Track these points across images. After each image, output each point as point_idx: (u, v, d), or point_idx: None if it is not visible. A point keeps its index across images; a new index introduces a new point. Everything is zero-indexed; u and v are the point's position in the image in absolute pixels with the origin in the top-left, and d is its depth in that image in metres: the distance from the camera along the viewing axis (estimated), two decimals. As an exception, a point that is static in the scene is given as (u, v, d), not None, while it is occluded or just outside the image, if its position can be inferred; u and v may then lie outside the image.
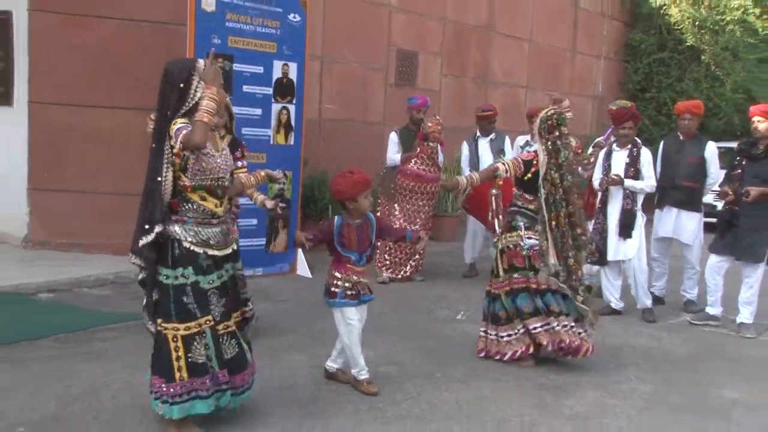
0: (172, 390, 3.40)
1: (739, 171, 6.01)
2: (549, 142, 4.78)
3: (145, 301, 3.61)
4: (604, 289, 6.48)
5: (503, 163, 5.04)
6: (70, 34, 7.00)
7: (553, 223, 4.72)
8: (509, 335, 4.89)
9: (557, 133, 4.77)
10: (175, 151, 3.38)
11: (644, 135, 8.75)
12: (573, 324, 4.82)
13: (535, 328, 4.82)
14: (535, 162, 4.89)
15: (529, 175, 4.90)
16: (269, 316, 5.55)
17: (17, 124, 7.18)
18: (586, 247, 4.87)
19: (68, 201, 7.09)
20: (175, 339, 3.43)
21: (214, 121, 3.43)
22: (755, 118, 5.99)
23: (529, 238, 4.85)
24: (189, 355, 3.42)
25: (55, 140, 7.07)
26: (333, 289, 4.15)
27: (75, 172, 7.09)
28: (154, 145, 3.48)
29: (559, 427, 3.98)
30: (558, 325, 4.78)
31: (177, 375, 3.41)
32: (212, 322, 3.49)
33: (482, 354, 5.01)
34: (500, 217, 5.02)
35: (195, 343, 3.44)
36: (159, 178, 3.42)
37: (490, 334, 5.01)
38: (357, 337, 4.18)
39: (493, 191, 5.03)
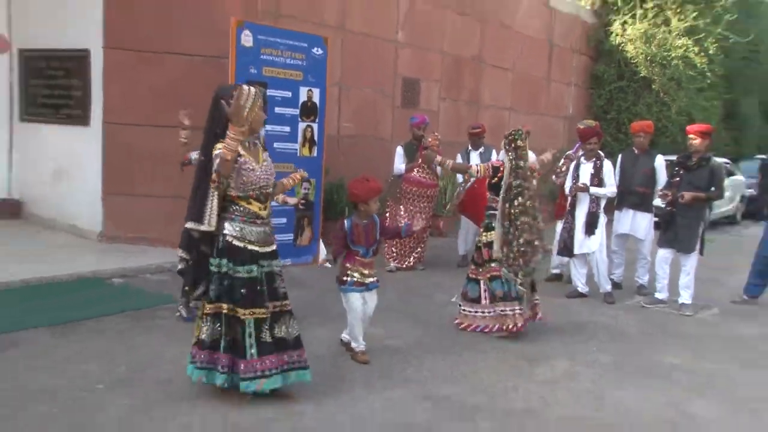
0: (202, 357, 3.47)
1: (678, 179, 6.06)
2: (510, 154, 4.87)
3: (183, 288, 3.60)
4: (572, 277, 6.48)
5: (477, 165, 5.32)
6: (137, 66, 7.04)
7: (505, 218, 4.82)
8: (483, 313, 5.00)
9: (514, 146, 4.86)
10: (214, 169, 3.34)
11: (606, 149, 8.73)
12: (520, 307, 4.90)
13: (503, 311, 4.91)
14: (501, 169, 5.00)
15: (495, 179, 5.06)
16: (297, 299, 5.54)
17: (93, 141, 7.22)
18: (528, 232, 4.79)
19: (135, 203, 7.12)
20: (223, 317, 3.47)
21: (232, 156, 3.32)
22: (690, 136, 6.08)
23: None
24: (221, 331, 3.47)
25: (124, 154, 7.10)
26: (343, 278, 4.19)
27: (140, 180, 7.12)
28: (202, 158, 3.48)
29: (535, 389, 4.01)
30: (517, 310, 4.87)
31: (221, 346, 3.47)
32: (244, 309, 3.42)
33: (461, 326, 5.10)
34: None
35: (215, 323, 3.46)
36: (209, 189, 3.40)
37: (468, 311, 5.10)
38: (359, 318, 4.19)
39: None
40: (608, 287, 6.37)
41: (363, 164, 8.05)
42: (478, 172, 5.23)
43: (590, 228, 6.13)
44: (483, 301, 5.03)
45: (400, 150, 7.33)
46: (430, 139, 7.06)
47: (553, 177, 6.89)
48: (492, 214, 5.03)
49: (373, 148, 8.99)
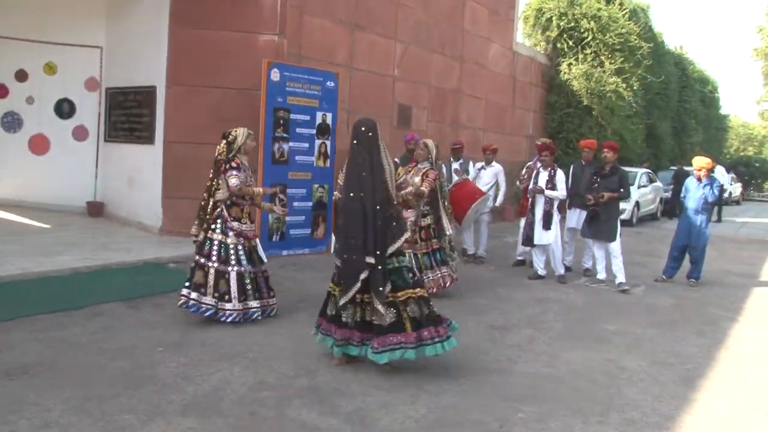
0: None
1: (596, 185, 6.06)
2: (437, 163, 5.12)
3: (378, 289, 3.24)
4: (534, 262, 6.42)
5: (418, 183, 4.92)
6: (189, 98, 6.99)
7: (443, 209, 5.03)
8: (428, 277, 5.04)
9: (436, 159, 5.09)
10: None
11: (558, 162, 8.67)
12: (443, 270, 5.06)
13: (438, 275, 5.05)
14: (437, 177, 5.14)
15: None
16: (314, 283, 5.53)
17: (156, 155, 7.18)
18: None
19: (186, 204, 6.99)
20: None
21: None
22: (605, 150, 6.14)
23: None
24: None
25: (180, 166, 7.04)
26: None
27: (190, 186, 7.03)
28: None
29: (505, 352, 3.95)
30: (445, 272, 5.06)
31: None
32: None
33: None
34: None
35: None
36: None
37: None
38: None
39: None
40: (561, 270, 6.31)
41: (434, 176, 7.96)
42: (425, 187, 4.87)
43: (546, 224, 6.08)
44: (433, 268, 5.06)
45: (396, 161, 7.22)
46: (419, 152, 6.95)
47: (518, 182, 6.84)
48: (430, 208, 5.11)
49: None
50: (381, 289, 3.17)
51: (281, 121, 6.48)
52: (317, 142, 6.87)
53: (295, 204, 6.53)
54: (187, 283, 4.08)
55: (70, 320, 4.01)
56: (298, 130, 6.66)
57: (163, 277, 5.37)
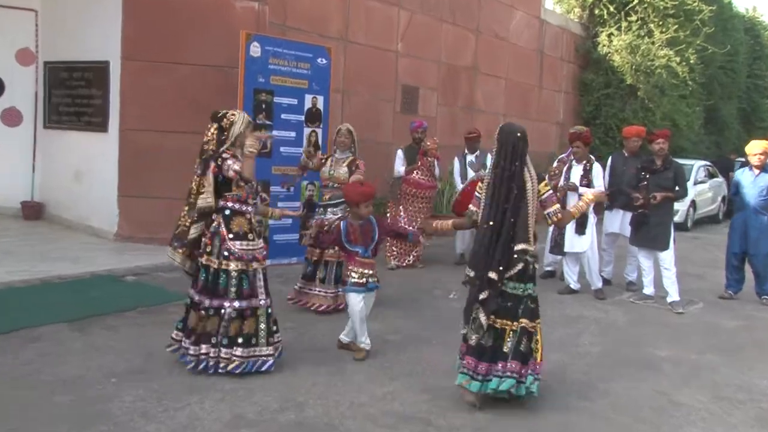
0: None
1: (645, 182, 6.00)
2: None
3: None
4: (565, 274, 6.42)
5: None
6: (151, 76, 7.00)
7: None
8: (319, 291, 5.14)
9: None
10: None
11: (595, 153, 8.69)
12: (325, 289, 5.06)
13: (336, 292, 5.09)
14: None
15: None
16: None
17: (110, 146, 7.19)
18: None
19: (148, 205, 7.07)
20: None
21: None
22: (658, 140, 6.03)
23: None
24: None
25: (140, 158, 7.06)
26: (345, 278, 4.13)
27: (153, 183, 7.08)
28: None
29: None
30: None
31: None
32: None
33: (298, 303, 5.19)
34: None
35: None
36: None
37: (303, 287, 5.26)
38: (360, 316, 4.07)
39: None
40: (599, 284, 6.32)
41: (364, 167, 8.01)
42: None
43: (580, 228, 6.07)
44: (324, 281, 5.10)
45: (400, 153, 7.28)
46: (428, 143, 7.02)
47: (546, 178, 6.78)
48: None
49: (374, 151, 8.91)
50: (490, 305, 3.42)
51: (263, 106, 6.49)
52: (306, 130, 6.88)
53: (280, 205, 6.54)
54: (180, 324, 3.82)
55: None
56: (283, 116, 6.67)
57: (118, 293, 5.36)
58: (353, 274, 4.06)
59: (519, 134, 3.48)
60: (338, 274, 5.07)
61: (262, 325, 3.72)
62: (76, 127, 7.65)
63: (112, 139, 7.18)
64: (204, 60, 6.95)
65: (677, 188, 5.97)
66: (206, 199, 3.66)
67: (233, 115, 3.77)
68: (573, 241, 6.12)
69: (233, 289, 3.65)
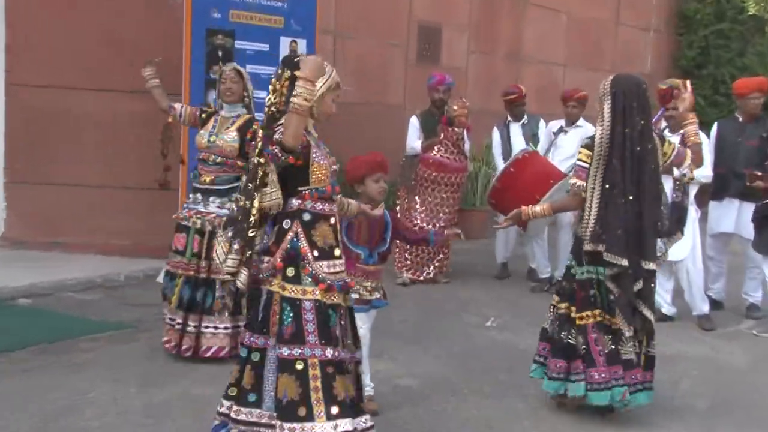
0: None
1: None
2: None
3: None
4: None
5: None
6: (51, 6, 7.03)
7: None
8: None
9: None
10: None
11: (700, 118, 8.63)
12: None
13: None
14: None
15: None
16: None
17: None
18: None
19: (50, 195, 7.10)
20: None
21: None
22: None
23: None
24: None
25: (36, 127, 7.07)
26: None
27: (58, 163, 7.10)
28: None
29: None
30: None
31: None
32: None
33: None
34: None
35: None
36: None
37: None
38: (364, 348, 4.00)
39: None
40: (705, 308, 6.32)
41: (366, 141, 7.99)
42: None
43: (675, 226, 6.03)
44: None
45: (414, 121, 7.31)
46: (455, 107, 7.05)
47: None
48: None
49: (378, 118, 8.95)
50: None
51: (219, 53, 6.51)
52: None
53: None
54: (230, 389, 3.47)
55: None
56: (249, 68, 6.47)
57: (4, 323, 5.34)
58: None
59: (644, 86, 4.06)
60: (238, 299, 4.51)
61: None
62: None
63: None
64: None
65: None
66: (272, 195, 3.34)
67: (312, 60, 3.39)
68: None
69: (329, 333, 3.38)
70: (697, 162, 4.41)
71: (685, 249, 6.05)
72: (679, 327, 6.18)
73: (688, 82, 5.10)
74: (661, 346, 5.58)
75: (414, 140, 7.22)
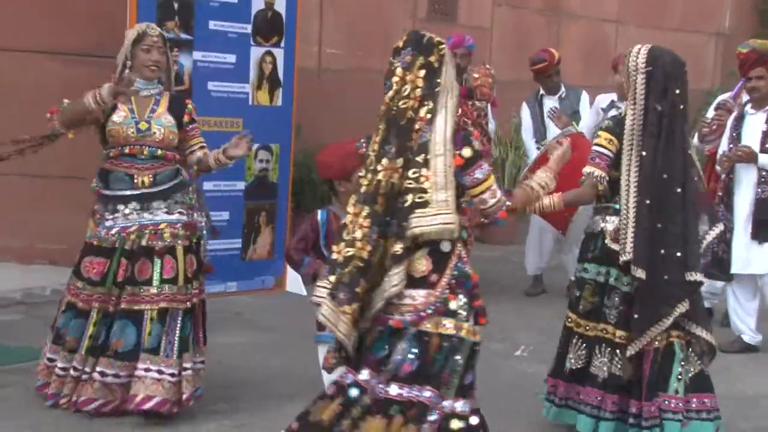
0: None
1: None
2: None
3: None
4: (732, 315, 6.46)
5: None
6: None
7: None
8: None
9: None
10: None
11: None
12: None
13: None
14: None
15: None
16: (246, 352, 5.57)
17: None
18: None
19: (11, 185, 7.10)
20: None
21: None
22: None
23: None
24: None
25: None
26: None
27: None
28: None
29: None
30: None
31: None
32: None
33: None
34: None
35: None
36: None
37: None
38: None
39: None
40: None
41: (360, 118, 7.96)
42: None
43: (762, 230, 6.11)
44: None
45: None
46: (476, 76, 7.12)
47: (696, 140, 6.76)
48: None
49: (378, 89, 8.85)
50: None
51: (175, 6, 6.51)
52: (255, 51, 6.91)
53: (212, 186, 6.55)
54: None
55: None
56: (212, 24, 6.69)
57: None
58: None
59: (685, 64, 4.24)
60: (185, 331, 4.67)
61: None
62: None
63: None
64: None
65: None
66: (446, 218, 3.32)
67: (441, 42, 3.54)
68: (749, 257, 6.14)
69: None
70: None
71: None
72: (763, 359, 6.23)
73: None
74: (740, 383, 5.62)
75: (425, 118, 7.17)
